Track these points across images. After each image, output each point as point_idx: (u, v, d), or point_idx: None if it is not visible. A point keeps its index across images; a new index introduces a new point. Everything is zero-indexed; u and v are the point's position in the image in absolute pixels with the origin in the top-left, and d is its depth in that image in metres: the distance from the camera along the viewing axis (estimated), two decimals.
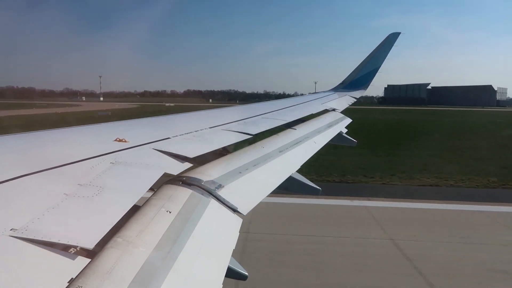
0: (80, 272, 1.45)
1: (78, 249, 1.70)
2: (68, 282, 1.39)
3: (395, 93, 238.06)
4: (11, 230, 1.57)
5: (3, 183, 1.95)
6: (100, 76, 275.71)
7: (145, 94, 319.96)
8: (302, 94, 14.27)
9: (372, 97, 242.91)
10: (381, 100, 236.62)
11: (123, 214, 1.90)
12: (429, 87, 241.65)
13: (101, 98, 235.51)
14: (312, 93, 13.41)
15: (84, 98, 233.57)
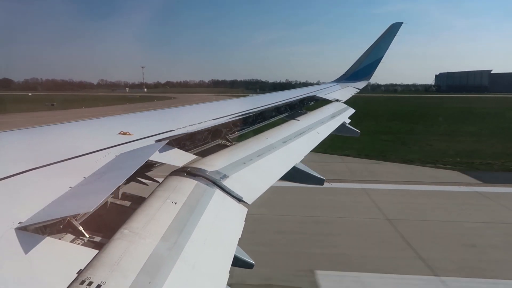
0: (88, 264, 1.46)
1: (78, 216, 1.81)
2: (76, 273, 1.40)
3: (455, 81, 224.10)
4: (19, 223, 1.59)
5: (11, 177, 1.98)
6: (142, 67, 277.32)
7: (175, 85, 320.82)
8: (324, 82, 14.42)
9: (431, 85, 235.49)
10: (436, 88, 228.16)
11: (119, 185, 2.02)
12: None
13: (145, 89, 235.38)
14: (315, 84, 13.44)
15: (127, 89, 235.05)
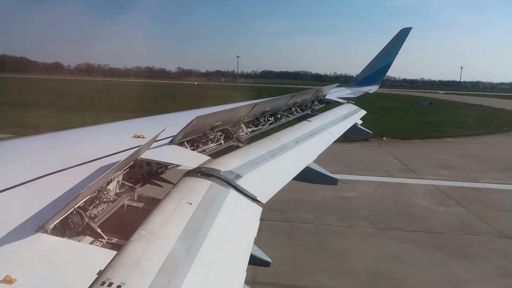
0: (107, 265, 1.47)
1: (96, 219, 1.92)
2: (97, 274, 1.42)
3: None
4: (39, 227, 1.62)
5: (30, 182, 2.04)
6: (237, 56, 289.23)
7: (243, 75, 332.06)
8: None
9: None
10: None
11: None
12: None
13: (241, 79, 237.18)
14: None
15: (223, 79, 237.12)
